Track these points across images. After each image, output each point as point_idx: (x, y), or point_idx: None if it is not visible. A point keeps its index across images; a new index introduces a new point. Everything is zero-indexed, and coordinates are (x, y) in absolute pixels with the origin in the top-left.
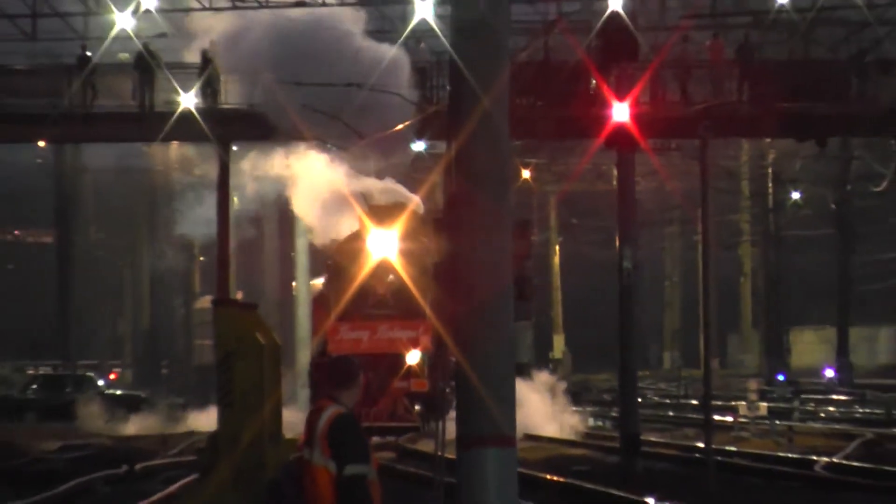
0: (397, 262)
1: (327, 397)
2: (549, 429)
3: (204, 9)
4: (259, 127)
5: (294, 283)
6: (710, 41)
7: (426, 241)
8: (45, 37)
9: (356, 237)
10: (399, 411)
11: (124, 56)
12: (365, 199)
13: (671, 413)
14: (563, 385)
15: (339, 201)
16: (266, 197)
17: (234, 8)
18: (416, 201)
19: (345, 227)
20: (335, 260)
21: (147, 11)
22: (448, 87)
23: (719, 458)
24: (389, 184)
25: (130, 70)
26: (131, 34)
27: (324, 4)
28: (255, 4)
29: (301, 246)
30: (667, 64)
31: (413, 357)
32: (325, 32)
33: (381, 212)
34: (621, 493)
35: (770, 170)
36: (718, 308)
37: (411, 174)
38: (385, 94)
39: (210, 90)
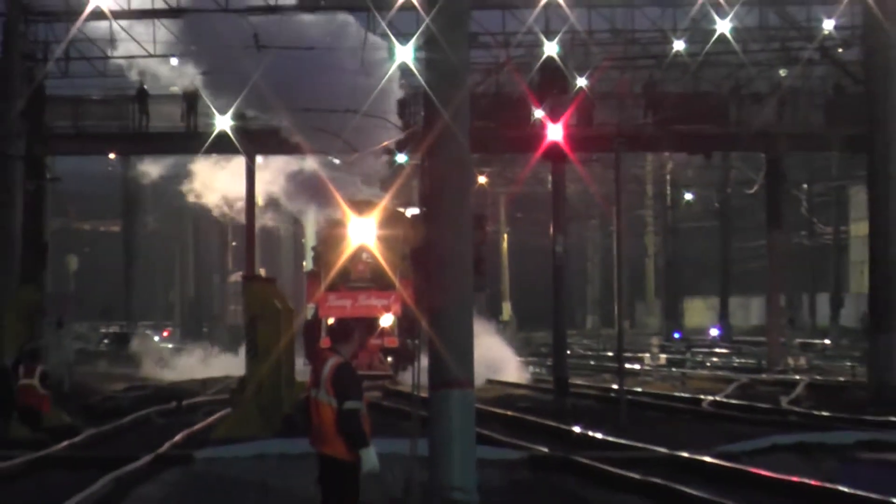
0: (373, 246)
1: (329, 350)
2: (504, 375)
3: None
4: (277, 143)
5: (304, 263)
6: (619, 80)
7: (396, 230)
8: (113, 74)
9: (339, 225)
10: (375, 363)
11: (174, 89)
12: (349, 195)
13: (592, 362)
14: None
15: (328, 197)
16: (281, 195)
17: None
18: (388, 198)
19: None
20: (324, 243)
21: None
22: (423, 113)
23: (629, 396)
24: (367, 185)
25: (179, 99)
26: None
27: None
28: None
29: (309, 233)
30: (589, 95)
31: (386, 320)
32: (329, 70)
33: (360, 205)
34: (554, 424)
35: (668, 176)
36: (628, 282)
37: (390, 178)
38: (374, 118)
39: (193, 114)
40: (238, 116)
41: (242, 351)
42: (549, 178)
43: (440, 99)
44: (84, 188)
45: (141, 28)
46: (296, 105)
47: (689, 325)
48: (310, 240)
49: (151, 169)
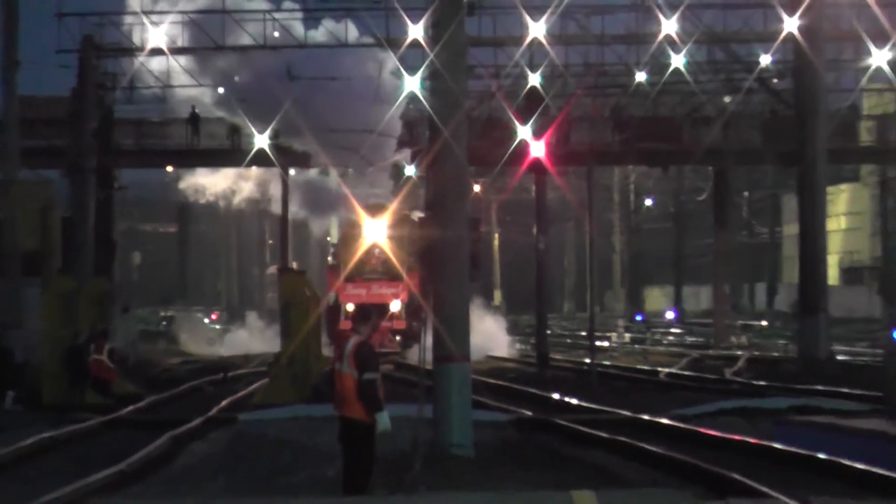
0: (384, 243)
1: (351, 330)
2: (497, 352)
3: (261, 45)
4: (306, 158)
5: (329, 258)
6: (591, 105)
7: (403, 230)
8: (169, 99)
9: (356, 226)
10: (386, 342)
11: (220, 114)
12: (364, 201)
13: (569, 341)
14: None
15: (347, 203)
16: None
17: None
18: (396, 203)
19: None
20: (343, 241)
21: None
22: (428, 133)
23: (599, 369)
24: (379, 190)
25: (225, 122)
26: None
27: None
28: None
29: (333, 232)
30: (566, 118)
31: (395, 306)
32: (349, 97)
33: (373, 209)
34: (537, 391)
35: (632, 185)
36: (598, 274)
37: (399, 187)
38: (387, 137)
39: (196, 130)
40: (274, 135)
41: (278, 332)
42: (533, 187)
43: (442, 121)
44: (146, 195)
45: (192, 61)
46: (322, 126)
47: (649, 310)
48: (333, 238)
49: (201, 178)
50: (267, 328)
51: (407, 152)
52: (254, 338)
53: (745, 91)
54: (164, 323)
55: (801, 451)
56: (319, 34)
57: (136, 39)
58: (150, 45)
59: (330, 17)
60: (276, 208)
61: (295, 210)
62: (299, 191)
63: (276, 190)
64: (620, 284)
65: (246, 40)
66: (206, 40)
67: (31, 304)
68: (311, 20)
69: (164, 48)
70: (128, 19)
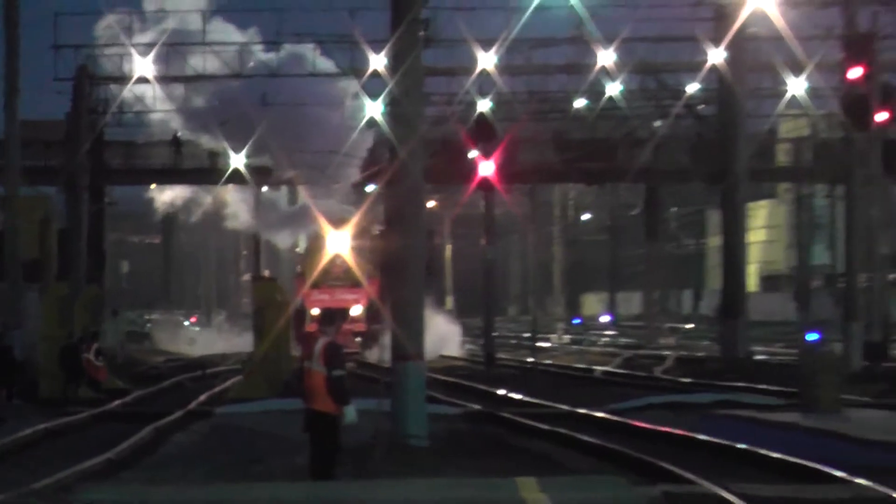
0: (346, 253)
1: (318, 331)
2: (450, 351)
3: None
4: (278, 176)
5: (297, 267)
6: (535, 129)
7: (363, 241)
8: (154, 123)
9: (320, 237)
10: (347, 343)
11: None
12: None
13: (513, 341)
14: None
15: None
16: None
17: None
18: (358, 217)
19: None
20: (309, 251)
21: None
22: (388, 154)
23: (541, 367)
24: (342, 206)
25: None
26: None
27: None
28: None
29: (301, 244)
30: (512, 141)
31: (356, 310)
32: (317, 121)
33: (337, 222)
34: (485, 387)
35: (571, 201)
36: (540, 281)
37: (361, 202)
38: (351, 157)
39: (178, 151)
40: (248, 156)
41: (251, 333)
42: (483, 202)
43: (401, 143)
44: (133, 209)
45: (175, 88)
46: (292, 147)
47: (586, 313)
48: (300, 249)
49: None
50: (231, 330)
51: (369, 170)
52: (222, 338)
53: (674, 116)
54: (149, 325)
55: (723, 442)
56: (291, 64)
57: (125, 68)
58: (136, 75)
59: (301, 48)
60: (232, 224)
61: (253, 225)
62: (262, 209)
63: (233, 207)
64: (560, 290)
65: (224, 69)
66: (189, 70)
67: (31, 307)
68: (284, 51)
69: (150, 77)
70: (118, 50)
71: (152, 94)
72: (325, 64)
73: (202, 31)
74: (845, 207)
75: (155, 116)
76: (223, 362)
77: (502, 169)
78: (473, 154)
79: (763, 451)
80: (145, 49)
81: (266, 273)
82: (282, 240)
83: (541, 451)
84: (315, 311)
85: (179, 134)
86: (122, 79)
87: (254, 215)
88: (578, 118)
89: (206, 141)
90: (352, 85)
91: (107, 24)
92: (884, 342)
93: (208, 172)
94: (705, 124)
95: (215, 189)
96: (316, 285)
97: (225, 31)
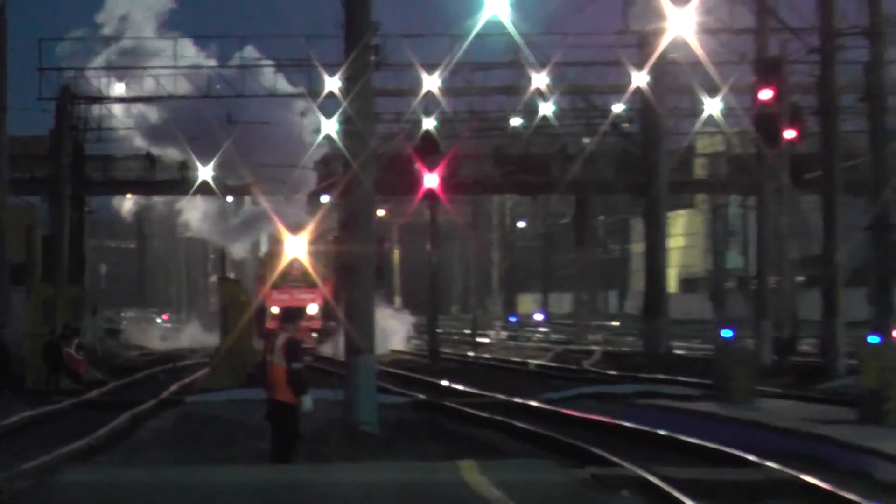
0: (303, 257)
1: (279, 328)
2: (398, 346)
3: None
4: (242, 187)
5: (259, 269)
6: (476, 145)
7: (319, 245)
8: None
9: (279, 242)
10: (305, 338)
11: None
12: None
13: (455, 337)
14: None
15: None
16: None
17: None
18: (314, 223)
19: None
20: (269, 255)
21: None
22: (341, 166)
23: (480, 360)
24: (300, 214)
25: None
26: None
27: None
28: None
29: (263, 248)
30: (455, 156)
31: (312, 309)
32: (279, 138)
33: (294, 228)
34: (430, 379)
35: (508, 210)
36: (480, 282)
37: (317, 210)
38: (308, 170)
39: (152, 165)
40: (216, 168)
41: (218, 329)
42: (428, 211)
43: (353, 156)
44: (111, 217)
45: (149, 108)
46: (255, 161)
47: (521, 312)
48: (262, 253)
49: (158, 204)
50: (199, 326)
51: (325, 182)
52: (191, 334)
53: (602, 134)
54: (125, 322)
55: (645, 428)
56: (255, 86)
57: (104, 89)
58: (113, 94)
59: (263, 71)
60: (198, 233)
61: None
62: (224, 217)
63: (187, 216)
64: (498, 291)
65: (194, 91)
66: (160, 89)
67: (18, 306)
68: (249, 74)
69: (125, 96)
70: (96, 73)
71: (128, 113)
72: (285, 85)
73: (174, 55)
74: (757, 216)
75: (130, 132)
76: (192, 356)
77: (445, 181)
78: (419, 168)
79: (682, 437)
80: (122, 72)
81: (231, 275)
82: (240, 247)
83: (480, 437)
84: (275, 310)
85: (152, 149)
86: (101, 99)
87: (215, 223)
88: (515, 135)
89: (177, 155)
90: (309, 104)
91: (86, 49)
92: (791, 339)
93: (179, 183)
94: (630, 141)
95: (183, 200)
96: (276, 286)
97: (197, 57)
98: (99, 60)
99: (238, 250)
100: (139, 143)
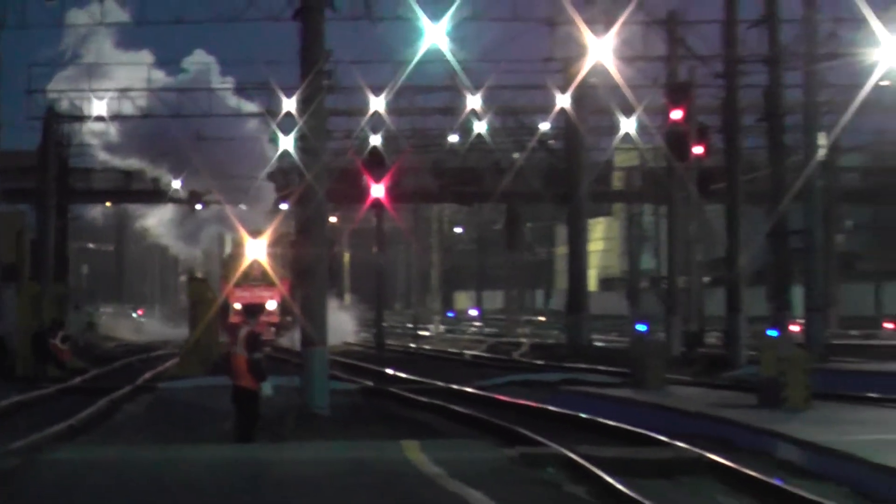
0: (263, 258)
1: (242, 322)
2: (349, 339)
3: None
4: (211, 196)
5: (222, 269)
6: (417, 159)
7: (277, 248)
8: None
9: (241, 245)
10: (265, 332)
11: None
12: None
13: (399, 331)
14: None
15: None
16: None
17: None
18: (272, 228)
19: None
20: (232, 256)
21: None
22: (298, 179)
23: (422, 351)
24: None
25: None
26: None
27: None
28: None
29: (227, 251)
30: (398, 169)
31: (272, 305)
32: (243, 152)
33: (255, 233)
34: (376, 368)
35: (446, 217)
36: (421, 282)
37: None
38: (265, 182)
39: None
40: (185, 180)
41: (187, 323)
42: (374, 218)
43: (308, 170)
44: (93, 223)
45: (127, 125)
46: (223, 172)
47: (458, 308)
48: (226, 254)
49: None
50: (170, 320)
51: (283, 192)
52: (163, 327)
53: (530, 150)
54: (103, 317)
55: (568, 412)
56: (220, 106)
57: (86, 108)
58: (95, 114)
59: (228, 93)
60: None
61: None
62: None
63: (145, 222)
64: (437, 289)
65: (165, 110)
66: (136, 110)
67: (8, 302)
68: (215, 96)
69: (105, 115)
70: (78, 94)
71: (105, 131)
72: (248, 106)
73: (147, 78)
74: (668, 223)
75: (108, 147)
76: (164, 347)
77: (390, 191)
78: (367, 179)
79: (601, 420)
80: (103, 92)
81: (199, 274)
82: (189, 251)
83: (421, 420)
84: (238, 306)
85: (128, 162)
86: (84, 117)
87: (169, 229)
88: (452, 151)
89: (150, 168)
90: (269, 123)
91: (68, 73)
92: (699, 333)
93: (153, 194)
94: (554, 156)
95: (155, 208)
96: (238, 284)
97: (167, 81)
98: (80, 83)
99: (187, 253)
100: (116, 157)
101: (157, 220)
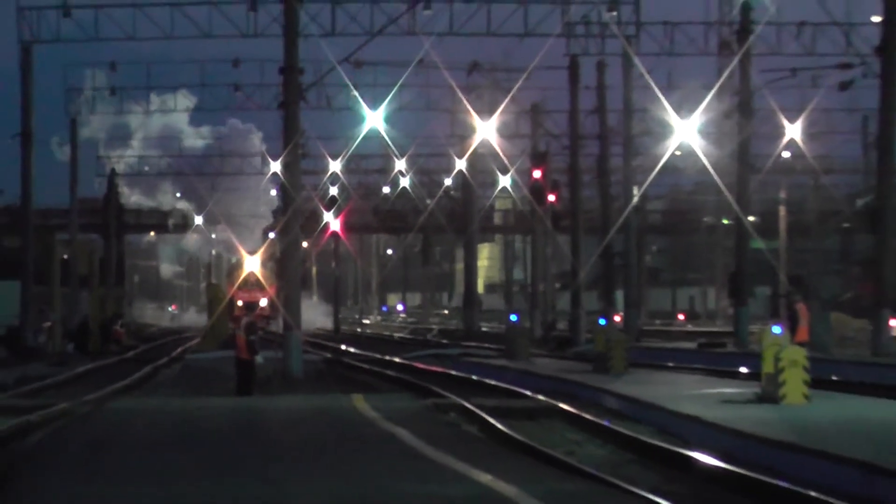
0: (257, 270)
1: (243, 314)
2: (319, 325)
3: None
4: (211, 219)
5: (229, 277)
6: (364, 202)
7: (268, 263)
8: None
9: (240, 261)
10: (259, 321)
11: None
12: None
13: (350, 320)
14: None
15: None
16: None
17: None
18: (263, 249)
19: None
20: (233, 268)
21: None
22: (282, 215)
23: (365, 334)
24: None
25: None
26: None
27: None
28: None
29: (235, 262)
30: (350, 210)
31: (263, 302)
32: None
33: (251, 251)
34: (334, 345)
35: (383, 243)
36: (364, 287)
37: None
38: (260, 218)
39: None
40: (204, 217)
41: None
42: (333, 243)
43: (288, 210)
44: (140, 246)
45: (164, 180)
46: (230, 211)
47: (390, 305)
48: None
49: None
50: (195, 313)
51: (270, 224)
52: (190, 318)
53: (438, 197)
54: (148, 310)
55: (464, 375)
56: (229, 165)
57: (133, 167)
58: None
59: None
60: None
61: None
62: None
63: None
64: (376, 291)
65: (188, 167)
66: (169, 169)
67: (83, 301)
68: (215, 147)
69: (149, 173)
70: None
71: (150, 183)
72: (251, 166)
73: (179, 147)
74: (532, 247)
75: (152, 195)
76: (190, 332)
77: (343, 225)
78: (327, 217)
79: (487, 381)
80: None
81: (214, 281)
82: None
83: (365, 381)
84: (240, 303)
85: (165, 205)
86: (133, 175)
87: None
88: (386, 198)
89: (182, 207)
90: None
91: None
92: (552, 322)
93: (183, 227)
94: (455, 202)
95: (185, 236)
96: (240, 288)
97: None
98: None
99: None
100: (157, 200)
101: (184, 243)
